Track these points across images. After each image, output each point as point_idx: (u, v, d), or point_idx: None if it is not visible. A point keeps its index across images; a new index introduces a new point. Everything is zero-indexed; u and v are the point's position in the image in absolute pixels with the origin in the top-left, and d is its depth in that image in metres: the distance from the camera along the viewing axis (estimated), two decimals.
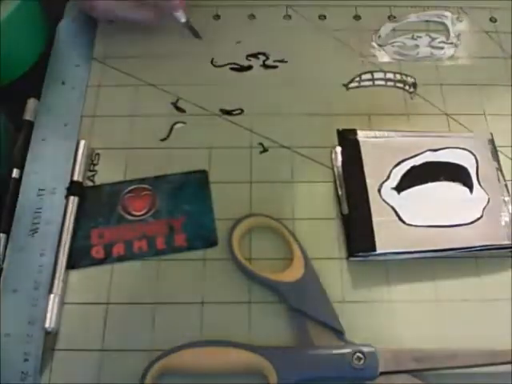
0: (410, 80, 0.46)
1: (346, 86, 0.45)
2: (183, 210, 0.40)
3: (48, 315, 0.35)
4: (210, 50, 0.47)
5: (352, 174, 0.39)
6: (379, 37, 0.48)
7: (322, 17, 0.49)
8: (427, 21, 0.49)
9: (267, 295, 0.36)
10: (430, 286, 0.37)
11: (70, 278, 0.37)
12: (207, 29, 0.48)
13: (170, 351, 0.33)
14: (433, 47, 0.48)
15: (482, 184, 0.39)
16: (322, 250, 0.38)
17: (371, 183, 0.39)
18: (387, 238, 0.37)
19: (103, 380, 0.34)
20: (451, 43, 0.48)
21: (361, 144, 0.40)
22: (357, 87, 0.45)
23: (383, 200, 0.38)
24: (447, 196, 0.39)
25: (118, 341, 0.35)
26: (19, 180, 0.40)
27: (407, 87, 0.45)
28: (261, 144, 0.42)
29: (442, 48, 0.48)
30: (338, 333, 0.35)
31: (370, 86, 0.45)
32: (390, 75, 0.46)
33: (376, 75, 0.46)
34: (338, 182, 0.40)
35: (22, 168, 0.41)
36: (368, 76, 0.46)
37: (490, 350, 0.34)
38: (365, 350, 0.33)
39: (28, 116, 0.43)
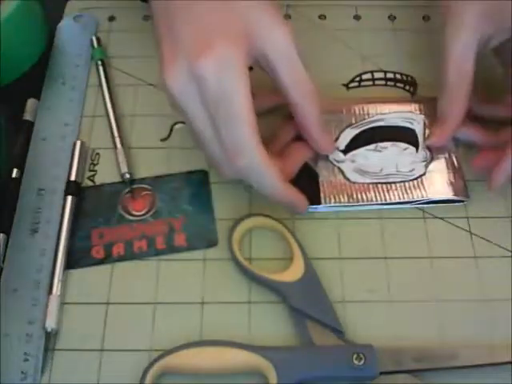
0: (409, 80, 0.46)
1: (346, 85, 0.45)
2: (183, 209, 0.40)
3: (48, 315, 0.35)
4: None
5: None
6: None
7: (322, 17, 0.49)
8: None
9: (267, 295, 0.36)
10: (430, 285, 0.37)
11: (69, 278, 0.37)
12: None
13: (169, 351, 0.33)
14: None
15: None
16: (322, 249, 0.38)
17: None
18: (332, 194, 0.39)
19: (103, 380, 0.34)
20: None
21: None
22: (357, 87, 0.45)
23: (329, 161, 0.40)
24: (393, 155, 0.41)
25: (118, 341, 0.35)
26: (19, 180, 0.40)
27: (407, 87, 0.45)
28: None
29: None
30: (338, 333, 0.35)
31: (370, 85, 0.46)
32: (390, 75, 0.46)
33: (376, 75, 0.46)
34: None
35: (22, 168, 0.41)
36: (368, 76, 0.46)
37: (490, 349, 0.34)
38: (365, 349, 0.33)
39: (28, 116, 0.43)
